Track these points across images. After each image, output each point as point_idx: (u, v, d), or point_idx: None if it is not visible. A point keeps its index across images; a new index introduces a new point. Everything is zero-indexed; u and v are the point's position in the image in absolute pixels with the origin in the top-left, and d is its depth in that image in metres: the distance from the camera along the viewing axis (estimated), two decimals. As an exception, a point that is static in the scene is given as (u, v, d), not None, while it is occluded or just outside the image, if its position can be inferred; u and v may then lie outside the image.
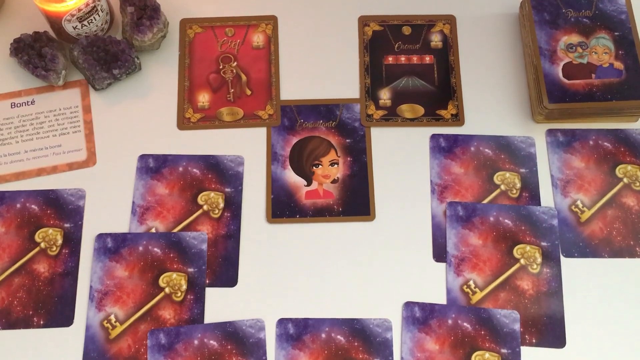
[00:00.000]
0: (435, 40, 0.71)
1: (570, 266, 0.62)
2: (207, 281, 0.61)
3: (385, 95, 0.69)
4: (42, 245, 0.62)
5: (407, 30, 0.71)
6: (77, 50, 0.66)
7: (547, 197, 0.65)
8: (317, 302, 0.61)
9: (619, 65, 0.66)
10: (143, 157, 0.66)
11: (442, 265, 0.62)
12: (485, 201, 0.64)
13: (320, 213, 0.64)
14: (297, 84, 0.69)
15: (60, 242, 0.62)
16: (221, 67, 0.70)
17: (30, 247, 0.62)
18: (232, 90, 0.69)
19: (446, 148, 0.66)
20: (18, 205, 0.64)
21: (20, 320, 0.60)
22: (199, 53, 0.70)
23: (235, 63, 0.70)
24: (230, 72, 0.70)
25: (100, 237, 0.62)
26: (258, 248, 0.63)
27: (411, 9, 0.73)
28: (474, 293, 0.61)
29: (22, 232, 0.63)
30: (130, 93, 0.69)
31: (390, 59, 0.70)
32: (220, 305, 0.61)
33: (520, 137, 0.67)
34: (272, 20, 0.72)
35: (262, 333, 0.59)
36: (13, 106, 0.68)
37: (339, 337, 0.59)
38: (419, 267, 0.62)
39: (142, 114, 0.68)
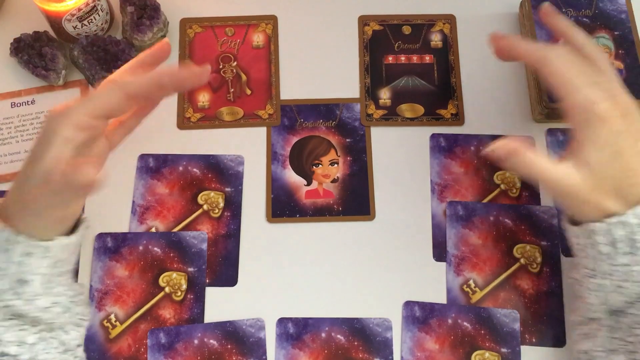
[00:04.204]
0: (435, 39, 0.71)
1: (570, 265, 0.62)
2: (207, 281, 0.61)
3: (385, 95, 0.69)
4: (42, 244, 0.62)
5: (407, 30, 0.71)
6: (77, 50, 0.66)
7: (547, 196, 0.65)
8: (317, 302, 0.61)
9: (618, 64, 0.66)
10: (143, 157, 0.66)
11: (442, 264, 0.62)
12: (485, 200, 0.64)
13: (320, 212, 0.64)
14: (297, 83, 0.69)
15: (60, 241, 0.62)
16: (221, 66, 0.70)
17: (31, 247, 0.62)
18: (232, 89, 0.69)
19: (446, 147, 0.66)
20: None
21: (21, 320, 0.60)
22: (199, 53, 0.70)
23: (235, 63, 0.70)
24: (230, 72, 0.70)
25: (100, 236, 0.62)
26: (258, 247, 0.63)
27: (411, 8, 0.73)
28: (474, 292, 0.61)
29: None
30: (130, 93, 0.69)
31: (390, 58, 0.70)
32: (220, 304, 0.61)
33: (520, 137, 0.66)
34: (272, 20, 0.72)
35: (262, 332, 0.59)
36: (13, 106, 0.68)
37: (339, 336, 0.59)
38: (419, 267, 0.62)
39: (142, 114, 0.68)
